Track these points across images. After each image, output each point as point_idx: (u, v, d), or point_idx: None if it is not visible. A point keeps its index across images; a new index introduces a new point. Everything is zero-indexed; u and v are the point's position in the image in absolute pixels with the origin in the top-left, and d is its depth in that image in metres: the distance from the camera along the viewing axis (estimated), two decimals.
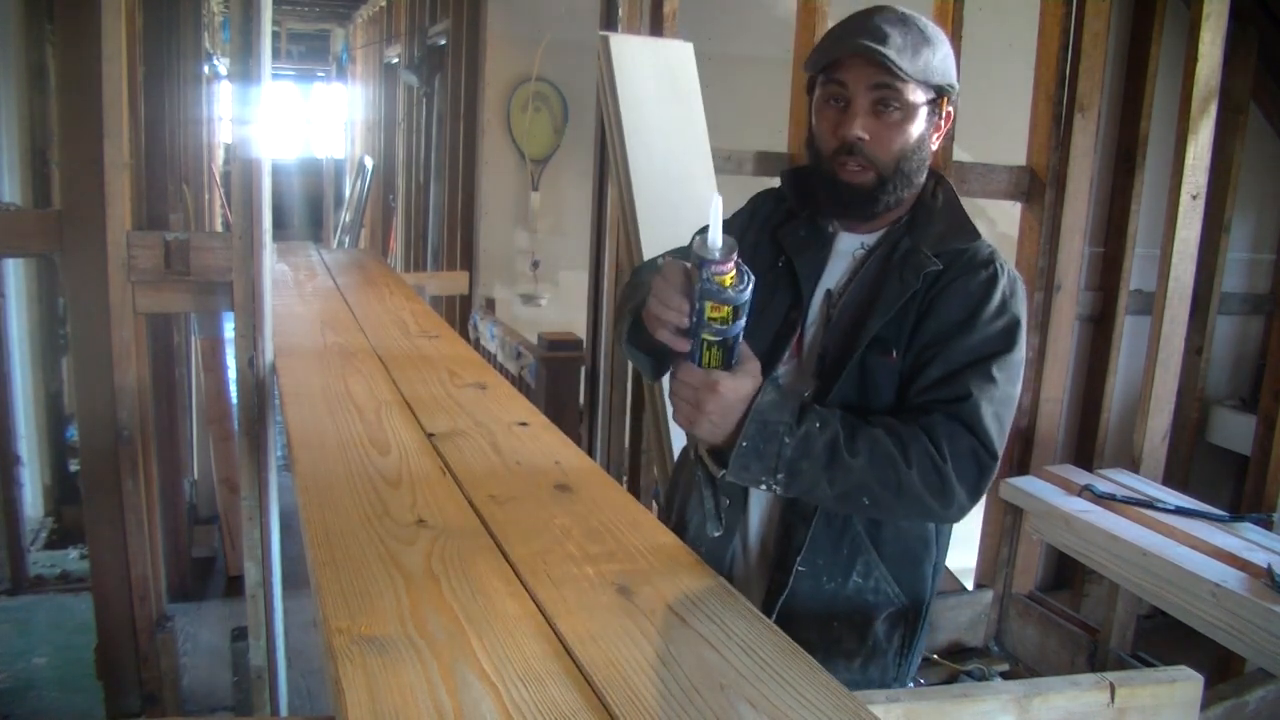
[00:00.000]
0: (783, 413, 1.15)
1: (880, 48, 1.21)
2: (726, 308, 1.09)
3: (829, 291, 1.36)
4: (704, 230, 1.08)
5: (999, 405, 1.22)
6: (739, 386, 1.14)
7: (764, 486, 1.18)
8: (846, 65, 1.25)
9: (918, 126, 1.27)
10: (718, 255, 1.07)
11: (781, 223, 1.43)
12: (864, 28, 1.25)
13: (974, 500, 1.21)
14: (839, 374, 1.28)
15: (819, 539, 1.32)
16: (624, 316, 1.39)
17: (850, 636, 1.33)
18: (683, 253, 1.50)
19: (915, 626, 1.37)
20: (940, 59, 1.27)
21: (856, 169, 1.27)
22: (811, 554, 1.32)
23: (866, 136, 1.26)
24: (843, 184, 1.29)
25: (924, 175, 1.33)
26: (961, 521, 1.28)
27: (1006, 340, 1.24)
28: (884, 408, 1.26)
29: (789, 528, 1.34)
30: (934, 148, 1.33)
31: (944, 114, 1.31)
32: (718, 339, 1.12)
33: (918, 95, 1.25)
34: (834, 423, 1.17)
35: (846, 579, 1.32)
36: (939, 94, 1.28)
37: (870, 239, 1.36)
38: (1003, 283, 1.27)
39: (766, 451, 1.15)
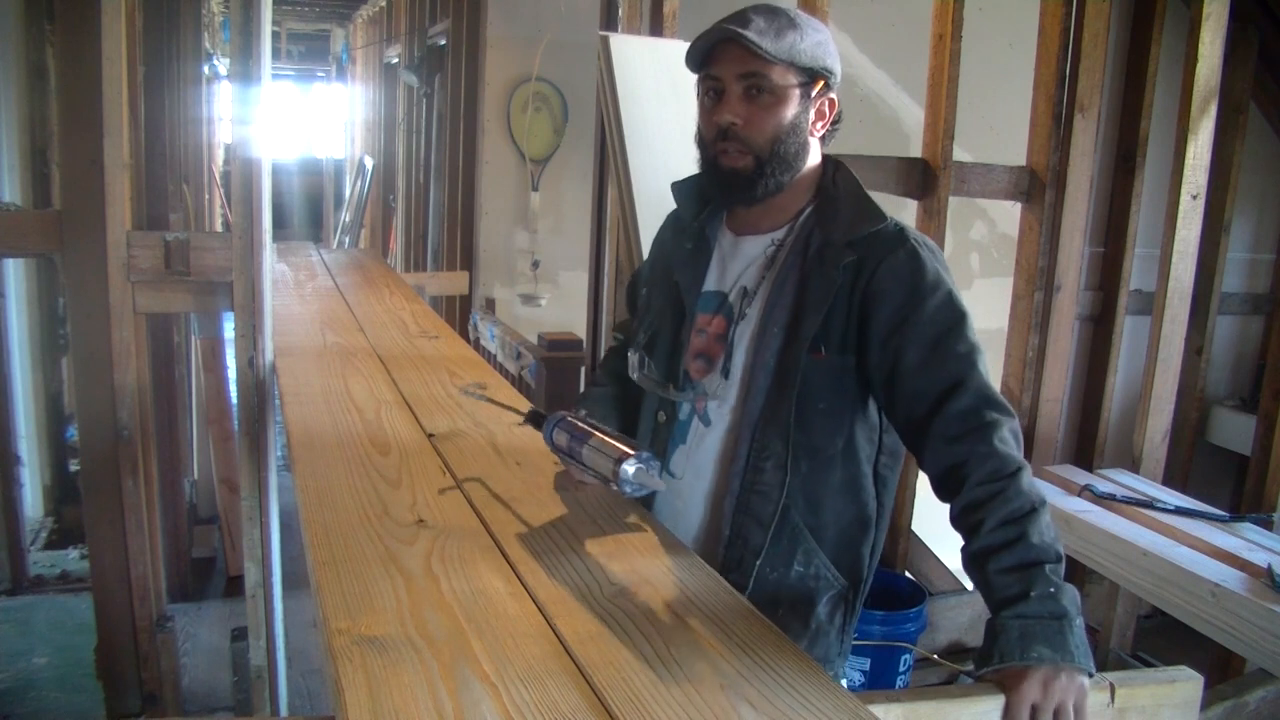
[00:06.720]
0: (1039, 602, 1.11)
1: (742, 30, 1.26)
2: None
3: (744, 289, 1.37)
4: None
5: (980, 365, 1.25)
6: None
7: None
8: (718, 57, 1.31)
9: (790, 109, 1.31)
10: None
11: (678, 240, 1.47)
12: (731, 18, 1.30)
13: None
14: (763, 376, 1.31)
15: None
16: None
17: (795, 622, 1.36)
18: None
19: (854, 604, 1.40)
20: (811, 44, 1.30)
21: (735, 153, 1.32)
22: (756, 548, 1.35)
23: (739, 121, 1.30)
24: (724, 169, 1.33)
25: (805, 159, 1.36)
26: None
27: (953, 309, 1.27)
28: (817, 405, 1.29)
29: (741, 530, 1.35)
30: (819, 135, 1.37)
31: (825, 100, 1.35)
32: None
33: (787, 78, 1.30)
34: (1020, 552, 1.14)
35: (789, 569, 1.35)
36: (812, 78, 1.32)
37: (779, 234, 1.38)
38: (924, 254, 1.29)
39: (1053, 629, 1.10)
